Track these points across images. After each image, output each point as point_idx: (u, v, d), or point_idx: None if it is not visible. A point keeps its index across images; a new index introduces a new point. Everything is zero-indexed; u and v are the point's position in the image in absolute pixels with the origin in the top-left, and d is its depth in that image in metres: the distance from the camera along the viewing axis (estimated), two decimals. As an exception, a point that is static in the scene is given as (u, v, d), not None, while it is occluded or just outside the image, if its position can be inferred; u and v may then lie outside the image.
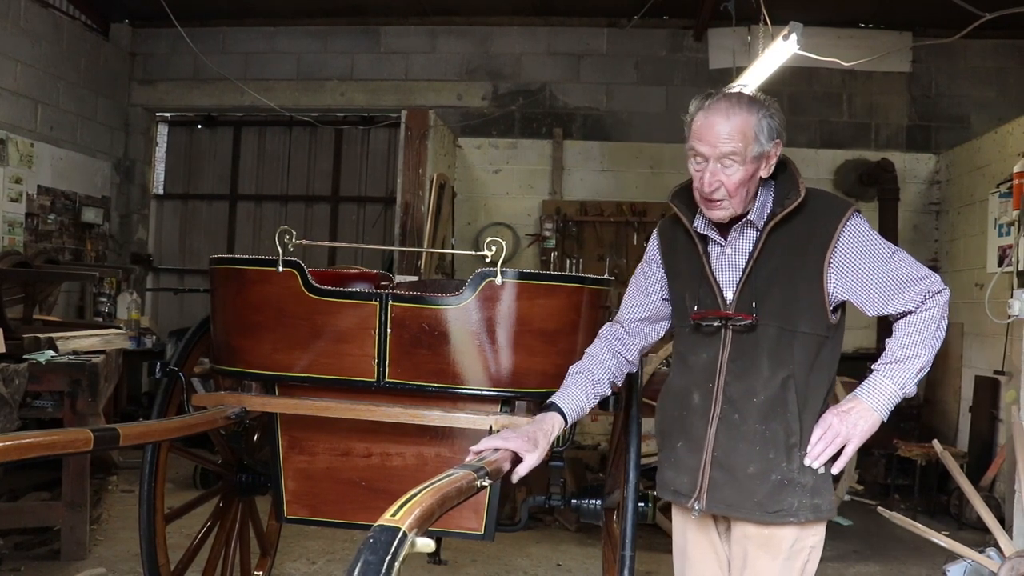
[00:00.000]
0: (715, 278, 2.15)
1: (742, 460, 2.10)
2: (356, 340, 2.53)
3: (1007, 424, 5.75)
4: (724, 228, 2.17)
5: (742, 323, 2.09)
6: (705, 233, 2.18)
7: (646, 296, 2.35)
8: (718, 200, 2.07)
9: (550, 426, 2.12)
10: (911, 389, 2.09)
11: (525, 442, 2.01)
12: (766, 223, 2.10)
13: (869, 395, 2.09)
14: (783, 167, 2.18)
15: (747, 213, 2.13)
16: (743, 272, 2.12)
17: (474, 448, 1.99)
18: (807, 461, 2.09)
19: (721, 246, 2.17)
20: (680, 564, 2.36)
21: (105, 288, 7.34)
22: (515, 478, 2.02)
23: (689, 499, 2.17)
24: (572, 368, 2.30)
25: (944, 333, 2.11)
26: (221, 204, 9.24)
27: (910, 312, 2.09)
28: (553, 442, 2.54)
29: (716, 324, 2.13)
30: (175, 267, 9.18)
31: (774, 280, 2.09)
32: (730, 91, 2.11)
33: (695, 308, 2.17)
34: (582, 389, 2.23)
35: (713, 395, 2.13)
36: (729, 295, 2.13)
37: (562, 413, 2.16)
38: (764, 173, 2.10)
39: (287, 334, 2.59)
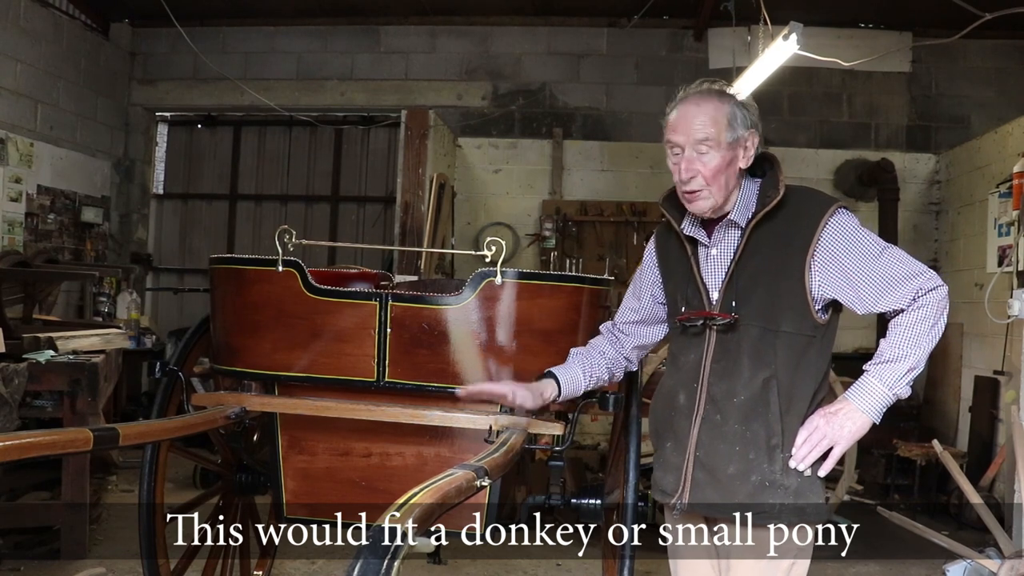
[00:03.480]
0: (702, 279, 2.16)
1: (722, 460, 2.10)
2: (356, 340, 2.53)
3: (1007, 424, 5.75)
4: (709, 228, 2.18)
5: (722, 323, 2.09)
6: (691, 235, 2.19)
7: (638, 300, 2.40)
8: (696, 190, 2.08)
9: (544, 386, 2.30)
10: (904, 390, 2.05)
11: (517, 386, 2.25)
12: (748, 222, 2.10)
13: (858, 396, 2.06)
14: (769, 166, 2.18)
15: (729, 212, 2.13)
16: (727, 272, 2.12)
17: (468, 389, 2.25)
18: (792, 463, 2.07)
19: (707, 247, 2.17)
20: (674, 565, 2.36)
21: (105, 288, 7.34)
22: (510, 399, 2.23)
23: (673, 498, 2.18)
24: (573, 350, 2.41)
25: (940, 332, 2.05)
26: (221, 204, 9.23)
27: (903, 310, 2.04)
28: (553, 441, 2.57)
29: (699, 324, 2.14)
30: (175, 267, 9.18)
31: (756, 279, 2.09)
32: (699, 86, 2.15)
33: (683, 309, 2.19)
34: (580, 367, 2.36)
35: (697, 395, 2.14)
36: (715, 295, 2.14)
37: (556, 380, 2.31)
38: (743, 164, 2.11)
39: (287, 334, 2.59)
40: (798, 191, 2.13)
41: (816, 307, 2.07)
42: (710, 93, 2.11)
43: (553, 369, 2.33)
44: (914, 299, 2.03)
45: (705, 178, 2.07)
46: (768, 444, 2.07)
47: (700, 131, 2.06)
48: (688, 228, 2.19)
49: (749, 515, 2.08)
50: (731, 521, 2.12)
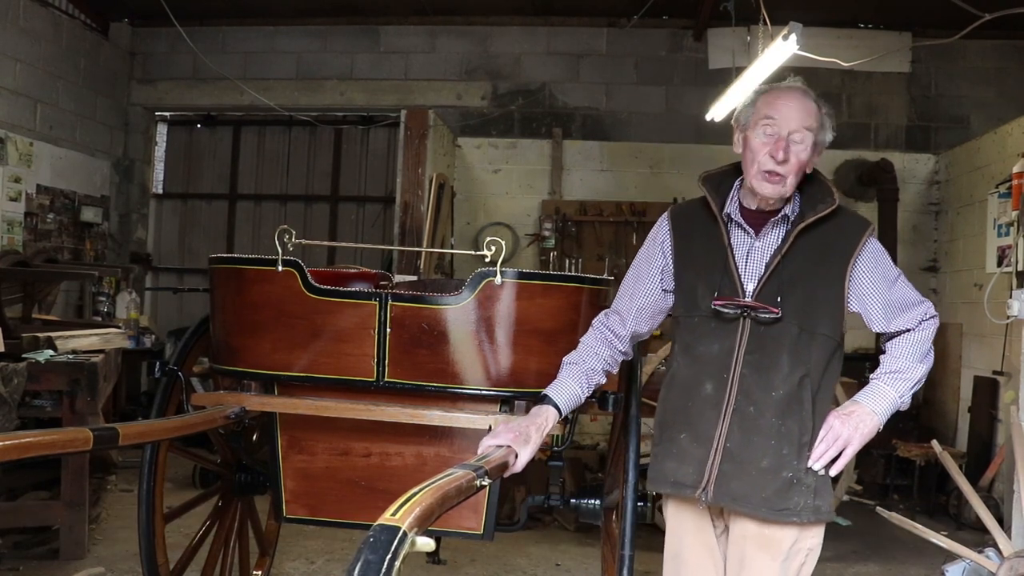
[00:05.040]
0: (737, 267, 2.15)
1: (756, 454, 2.10)
2: (355, 340, 2.53)
3: (1006, 424, 5.75)
4: (755, 220, 2.17)
5: (767, 315, 2.09)
6: (738, 220, 2.18)
7: (648, 284, 2.31)
8: (782, 174, 2.09)
9: (543, 420, 2.14)
10: (907, 400, 2.15)
11: (517, 437, 2.04)
12: (795, 223, 2.13)
13: (871, 399, 2.13)
14: (811, 175, 2.22)
15: (784, 209, 2.15)
16: (768, 266, 2.13)
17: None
18: (810, 462, 2.10)
19: (751, 237, 2.17)
20: (675, 567, 2.32)
21: (104, 287, 7.34)
22: (507, 474, 2.02)
23: (695, 490, 2.15)
24: (566, 359, 2.30)
25: (933, 359, 2.19)
26: (220, 203, 9.23)
27: (909, 330, 2.16)
28: (553, 441, 2.55)
29: (736, 312, 2.12)
30: (174, 266, 9.17)
31: (797, 279, 2.12)
32: (800, 82, 2.20)
33: (715, 294, 2.15)
34: (576, 380, 2.24)
35: (727, 386, 2.12)
36: (750, 287, 2.13)
37: (556, 406, 2.18)
38: (808, 169, 2.16)
39: (286, 334, 2.59)
40: (841, 206, 2.18)
41: (844, 316, 2.16)
42: (809, 93, 2.16)
43: (549, 392, 2.21)
44: (920, 323, 2.17)
45: (793, 166, 2.10)
46: (800, 441, 2.10)
47: (805, 119, 2.10)
48: (734, 212, 2.19)
49: (774, 511, 2.10)
50: (752, 516, 2.13)
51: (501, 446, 2.00)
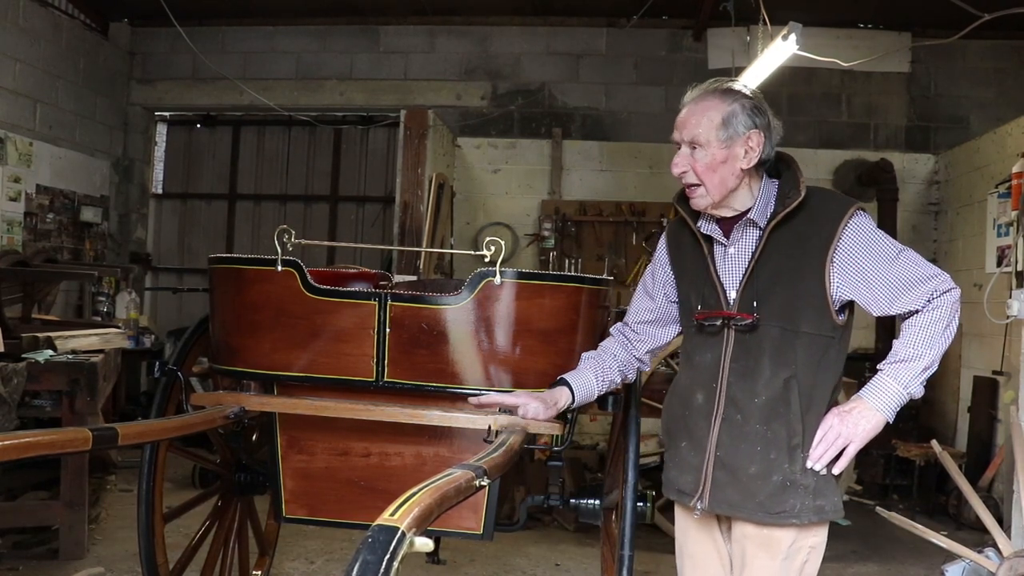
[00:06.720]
0: (719, 278, 2.16)
1: (744, 460, 2.10)
2: (355, 340, 2.53)
3: (1005, 424, 5.75)
4: (727, 227, 2.17)
5: (743, 323, 2.09)
6: (708, 233, 2.18)
7: (652, 299, 2.39)
8: (691, 184, 2.12)
9: (557, 395, 2.32)
10: (917, 389, 2.06)
11: (531, 398, 2.29)
12: (768, 222, 2.10)
13: (872, 395, 2.07)
14: (786, 167, 2.18)
15: (748, 212, 2.13)
16: (745, 272, 2.11)
17: (480, 399, 2.30)
18: (808, 463, 2.08)
19: (724, 246, 2.17)
20: (682, 563, 2.36)
21: (104, 287, 7.33)
22: (521, 411, 2.29)
23: (692, 498, 2.18)
24: (584, 355, 2.43)
25: (953, 333, 2.06)
26: (220, 203, 9.23)
27: (917, 311, 2.06)
28: (552, 441, 2.57)
29: (718, 324, 2.13)
30: (174, 266, 9.18)
31: (776, 280, 2.09)
32: (708, 84, 2.16)
33: (699, 308, 2.18)
34: (592, 372, 2.37)
35: (716, 395, 2.13)
36: (732, 295, 2.13)
37: (570, 388, 2.33)
38: (744, 164, 2.09)
39: (286, 334, 2.59)
40: (817, 192, 2.13)
41: (834, 308, 2.08)
42: (714, 92, 2.12)
43: (566, 376, 2.34)
44: (929, 301, 2.05)
45: (697, 174, 2.09)
46: (789, 444, 2.08)
47: (692, 129, 2.09)
48: (704, 226, 2.19)
49: (770, 514, 2.09)
50: (750, 520, 2.13)
51: (509, 410, 2.23)
